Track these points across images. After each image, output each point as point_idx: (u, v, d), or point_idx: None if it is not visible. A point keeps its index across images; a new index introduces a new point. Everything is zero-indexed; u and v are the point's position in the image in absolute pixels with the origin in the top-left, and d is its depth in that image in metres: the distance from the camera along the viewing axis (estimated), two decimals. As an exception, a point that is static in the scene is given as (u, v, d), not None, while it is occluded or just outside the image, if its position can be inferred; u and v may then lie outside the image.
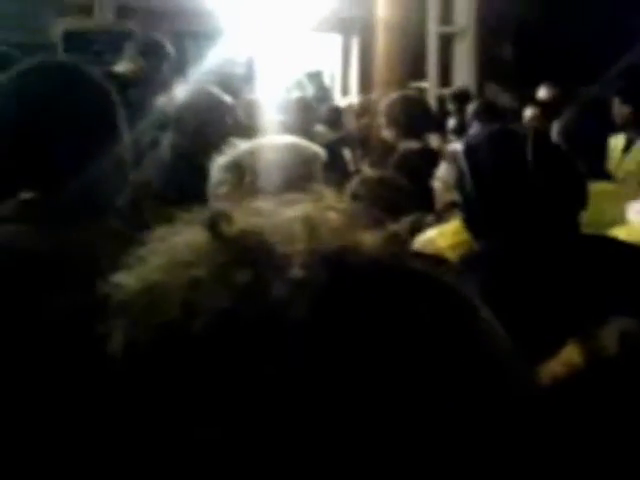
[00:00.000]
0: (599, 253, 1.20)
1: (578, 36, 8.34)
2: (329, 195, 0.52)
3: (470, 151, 1.41)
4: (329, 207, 0.50)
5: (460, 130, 4.81)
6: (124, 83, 3.93)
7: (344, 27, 8.68)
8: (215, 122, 2.55)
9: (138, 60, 3.87)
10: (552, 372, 0.99)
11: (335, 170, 3.40)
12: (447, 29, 8.18)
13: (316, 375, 0.41)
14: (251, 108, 5.30)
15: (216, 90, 3.03)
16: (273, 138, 1.86)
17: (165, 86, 4.13)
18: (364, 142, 4.42)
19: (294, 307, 0.42)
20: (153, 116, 3.52)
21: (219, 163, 1.78)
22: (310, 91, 7.30)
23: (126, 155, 1.52)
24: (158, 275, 0.45)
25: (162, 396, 0.42)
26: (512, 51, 9.31)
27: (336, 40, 9.16)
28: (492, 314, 0.53)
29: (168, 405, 0.42)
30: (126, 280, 0.46)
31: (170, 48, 4.05)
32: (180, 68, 7.02)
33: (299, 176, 1.72)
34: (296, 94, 6.17)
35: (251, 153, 1.76)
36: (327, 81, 9.00)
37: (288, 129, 5.17)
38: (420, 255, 1.76)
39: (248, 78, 7.12)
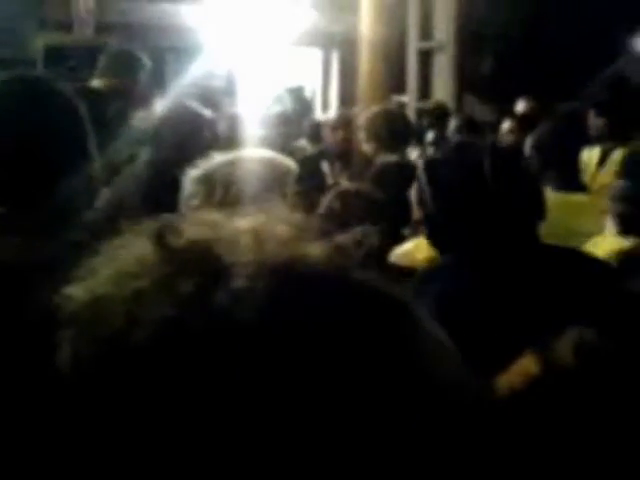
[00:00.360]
0: (558, 263, 1.21)
1: (559, 51, 8.44)
2: (281, 208, 0.53)
3: (429, 166, 1.43)
4: (279, 219, 0.51)
5: (438, 143, 4.85)
6: (99, 98, 3.92)
7: (324, 41, 8.72)
8: (193, 136, 2.56)
9: (112, 74, 3.86)
10: (509, 382, 1.00)
11: (312, 184, 3.42)
12: (426, 44, 8.24)
13: (253, 384, 0.42)
14: (231, 122, 5.31)
15: (194, 104, 3.04)
16: (247, 152, 1.88)
17: (143, 100, 4.13)
18: (342, 156, 4.44)
19: (235, 317, 0.42)
20: (131, 131, 3.51)
21: (192, 176, 1.80)
22: (290, 105, 7.32)
23: (95, 170, 1.52)
24: (105, 287, 0.46)
25: (105, 409, 0.42)
26: (492, 65, 9.40)
27: (316, 54, 9.20)
28: (441, 327, 0.53)
29: (110, 417, 0.42)
30: (75, 292, 0.46)
31: (146, 61, 4.04)
32: (160, 83, 7.03)
33: (271, 189, 1.74)
34: (276, 108, 6.19)
35: (223, 166, 1.78)
36: (308, 95, 9.03)
37: (268, 143, 5.19)
38: (393, 267, 1.78)
39: (228, 92, 7.14)
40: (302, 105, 8.21)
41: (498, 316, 1.08)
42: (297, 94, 8.86)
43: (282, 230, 0.49)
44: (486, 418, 0.52)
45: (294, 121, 6.02)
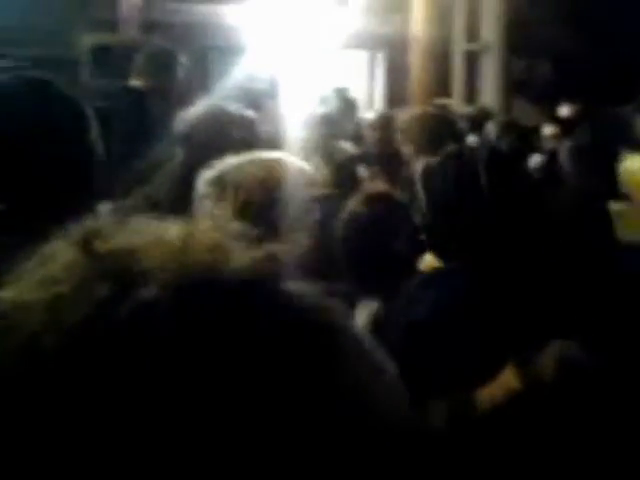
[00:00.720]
0: (557, 273, 1.16)
1: (614, 53, 8.28)
2: (217, 216, 0.54)
3: (425, 175, 1.39)
4: (210, 228, 0.51)
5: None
6: (140, 98, 3.94)
7: (370, 43, 8.69)
8: (223, 137, 2.54)
9: (150, 73, 3.87)
10: (491, 396, 0.97)
11: (343, 186, 3.39)
12: (473, 46, 8.15)
13: (157, 389, 0.42)
14: (274, 123, 5.32)
15: (229, 106, 3.03)
16: (260, 153, 1.85)
17: (183, 99, 4.14)
18: (379, 157, 4.40)
19: (137, 325, 0.43)
20: (170, 131, 3.52)
21: (205, 177, 1.78)
22: (335, 106, 7.30)
23: (97, 167, 1.52)
24: (29, 292, 0.46)
25: (18, 416, 0.43)
26: (541, 68, 9.25)
27: (362, 56, 9.17)
28: (373, 340, 0.51)
29: (23, 424, 0.42)
30: (4, 296, 0.47)
31: (184, 60, 4.04)
32: (203, 83, 7.08)
33: (281, 191, 1.71)
34: (320, 109, 6.18)
35: (234, 169, 1.76)
36: (353, 97, 9.01)
37: (308, 144, 5.18)
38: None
39: (272, 93, 7.16)
40: (347, 106, 8.19)
41: (488, 325, 1.04)
42: (343, 95, 8.85)
43: (210, 238, 0.49)
44: (411, 445, 0.49)
45: (337, 122, 6.00)
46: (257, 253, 0.49)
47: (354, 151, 5.43)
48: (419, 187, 1.40)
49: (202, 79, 7.28)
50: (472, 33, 8.22)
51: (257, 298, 0.46)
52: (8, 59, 5.24)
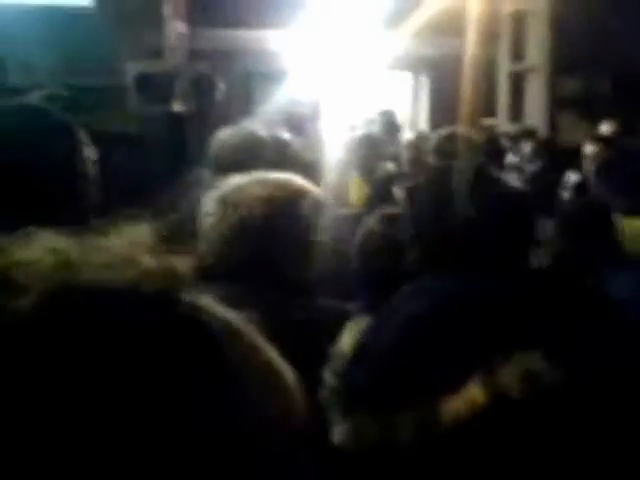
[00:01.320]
0: (539, 288, 1.15)
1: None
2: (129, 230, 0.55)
3: (410, 192, 1.39)
4: (124, 243, 0.53)
5: (519, 167, 4.75)
6: (179, 122, 4.04)
7: (415, 65, 8.72)
8: (251, 160, 2.59)
9: (190, 98, 3.97)
10: (455, 410, 0.97)
11: (379, 204, 3.41)
12: (518, 66, 8.12)
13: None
14: (316, 147, 5.38)
15: (257, 128, 3.09)
16: (267, 174, 1.88)
17: (221, 123, 4.22)
18: (412, 176, 4.41)
19: (4, 330, 0.46)
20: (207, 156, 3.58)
21: (210, 196, 1.82)
22: (378, 128, 7.33)
23: (86, 185, 1.58)
24: None
25: None
26: (586, 88, 9.14)
27: (407, 77, 9.21)
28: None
29: None
30: None
31: (221, 84, 4.13)
32: (247, 107, 7.18)
33: (282, 212, 1.75)
34: (361, 131, 6.22)
35: (238, 187, 1.79)
36: (398, 119, 9.03)
37: (349, 165, 5.22)
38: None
39: (314, 117, 7.22)
40: (391, 127, 8.21)
41: (457, 340, 1.04)
42: (387, 117, 8.88)
43: (100, 254, 0.52)
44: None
45: (379, 143, 6.02)
46: (155, 266, 0.51)
47: (393, 170, 5.45)
48: (404, 204, 1.41)
49: (245, 104, 7.40)
50: (517, 54, 8.19)
51: (137, 316, 0.49)
52: (58, 88, 5.41)
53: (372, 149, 5.50)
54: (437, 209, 1.30)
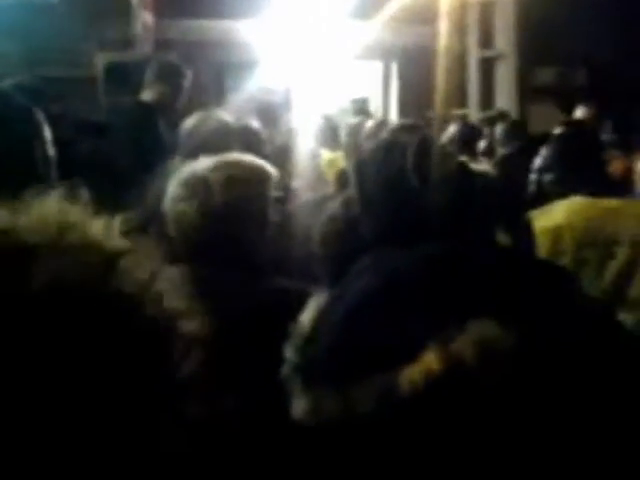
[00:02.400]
0: (480, 261, 1.18)
1: (623, 60, 8.24)
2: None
3: (358, 167, 1.41)
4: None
5: (489, 152, 4.78)
6: (150, 112, 4.02)
7: (384, 54, 8.73)
8: (219, 146, 2.60)
9: (157, 85, 3.96)
10: (410, 378, 0.99)
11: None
12: (487, 53, 8.16)
13: None
14: (289, 134, 5.39)
15: (225, 116, 3.09)
16: (230, 156, 1.90)
17: (191, 113, 4.22)
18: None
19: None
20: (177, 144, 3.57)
21: (176, 179, 1.83)
22: (350, 116, 7.35)
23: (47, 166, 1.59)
24: None
25: None
26: (583, 76, 9.18)
27: (376, 67, 9.22)
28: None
29: None
30: None
31: (187, 71, 4.12)
32: (219, 98, 7.17)
33: (250, 193, 1.77)
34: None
35: (198, 172, 1.81)
36: (369, 107, 9.04)
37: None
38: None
39: (286, 106, 7.21)
40: (365, 117, 8.23)
41: (410, 311, 1.07)
42: (360, 105, 8.89)
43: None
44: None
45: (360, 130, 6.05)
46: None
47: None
48: (352, 179, 1.42)
49: (216, 95, 7.38)
50: (487, 41, 8.24)
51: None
52: (26, 78, 5.35)
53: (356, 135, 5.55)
54: (383, 183, 1.32)
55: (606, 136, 4.80)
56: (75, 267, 0.54)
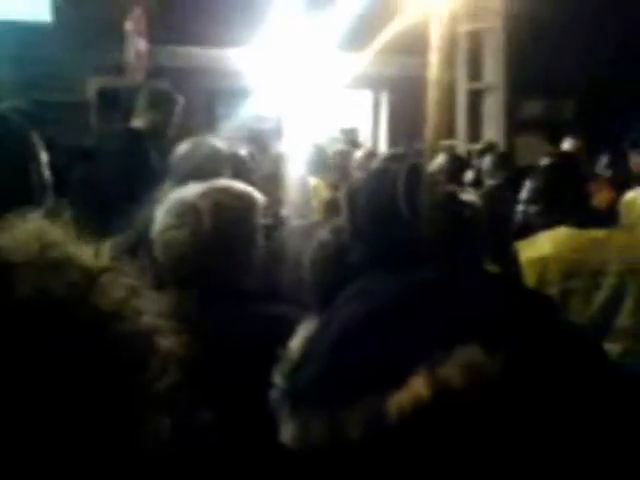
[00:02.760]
0: (469, 288, 1.19)
1: (615, 91, 8.34)
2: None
3: (349, 195, 1.43)
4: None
5: (476, 183, 4.83)
6: (141, 139, 4.04)
7: (374, 84, 8.82)
8: (210, 172, 2.62)
9: (148, 113, 3.98)
10: (399, 403, 1.00)
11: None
12: (476, 85, 8.26)
13: None
14: (279, 162, 5.41)
15: (218, 142, 3.12)
16: (218, 182, 1.92)
17: (182, 139, 4.25)
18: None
19: None
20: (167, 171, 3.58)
21: (169, 205, 1.85)
22: (340, 146, 7.40)
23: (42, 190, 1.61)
24: None
25: None
26: (571, 109, 9.27)
27: (366, 96, 9.30)
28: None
29: None
30: None
31: (178, 98, 4.15)
32: (211, 125, 7.21)
33: (237, 219, 1.79)
34: (331, 148, 6.32)
35: (186, 200, 1.82)
36: (358, 137, 9.11)
37: (324, 181, 5.28)
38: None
39: (277, 133, 7.27)
40: (354, 147, 8.29)
41: (398, 337, 1.08)
42: (349, 135, 8.97)
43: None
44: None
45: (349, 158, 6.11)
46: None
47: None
48: (343, 207, 1.44)
49: (207, 122, 7.43)
50: (475, 73, 8.34)
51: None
52: (20, 102, 5.38)
53: (343, 166, 5.59)
54: (374, 211, 1.34)
55: (600, 169, 4.86)
56: (56, 283, 0.56)
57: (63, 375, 0.52)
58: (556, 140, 6.80)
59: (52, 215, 0.63)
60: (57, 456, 0.51)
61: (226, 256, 1.80)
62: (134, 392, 0.55)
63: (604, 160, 5.03)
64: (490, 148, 6.12)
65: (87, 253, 0.60)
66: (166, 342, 0.61)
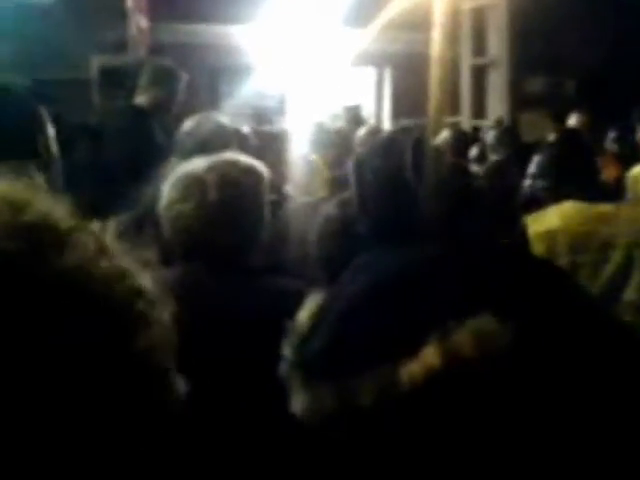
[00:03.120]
0: (478, 259, 1.18)
1: (618, 66, 8.29)
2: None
3: (356, 165, 1.41)
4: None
5: (481, 158, 4.80)
6: (144, 116, 4.02)
7: (377, 60, 8.76)
8: (215, 147, 2.60)
9: (152, 90, 3.96)
10: (410, 372, 1.00)
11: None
12: (480, 60, 8.20)
13: None
14: (282, 139, 5.40)
15: (223, 119, 3.10)
16: (225, 156, 1.90)
17: (186, 117, 4.23)
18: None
19: None
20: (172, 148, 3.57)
21: (175, 179, 1.83)
22: (343, 123, 7.37)
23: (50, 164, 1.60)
24: None
25: None
26: (572, 87, 9.23)
27: (370, 73, 9.25)
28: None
29: None
30: None
31: (182, 75, 4.12)
32: (214, 102, 7.18)
33: (245, 193, 1.78)
34: (332, 125, 6.29)
35: (191, 173, 1.81)
36: (362, 114, 9.06)
37: (323, 159, 5.26)
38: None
39: (280, 111, 7.23)
40: (357, 124, 8.25)
41: (411, 307, 1.08)
42: (353, 112, 8.92)
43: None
44: None
45: (349, 137, 6.09)
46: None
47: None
48: (351, 178, 1.43)
49: (212, 99, 7.39)
50: (479, 49, 8.28)
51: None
52: (22, 80, 5.37)
53: (341, 143, 5.56)
54: (381, 181, 1.33)
55: (607, 144, 4.85)
56: (27, 243, 0.55)
57: (34, 338, 0.52)
58: (560, 116, 6.77)
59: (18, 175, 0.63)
60: (31, 429, 0.50)
61: (232, 230, 1.79)
62: (111, 352, 0.54)
63: (611, 135, 5.01)
64: (498, 124, 6.09)
65: (59, 212, 0.59)
66: (146, 306, 0.59)
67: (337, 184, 4.53)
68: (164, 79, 4.02)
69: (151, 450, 0.56)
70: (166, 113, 4.00)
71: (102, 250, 0.59)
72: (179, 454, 0.66)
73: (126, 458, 0.55)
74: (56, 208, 0.60)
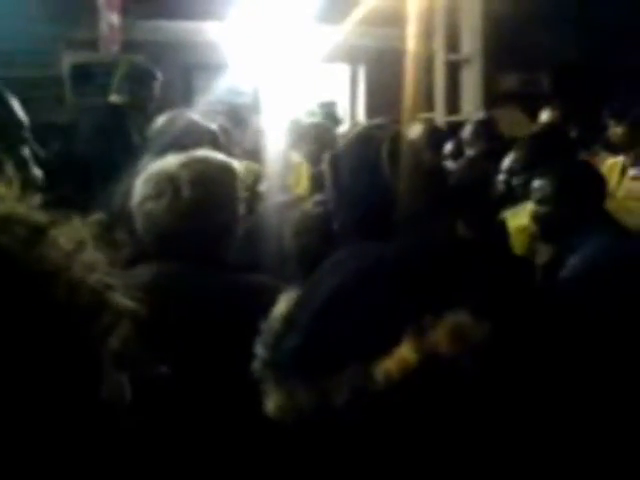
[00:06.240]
0: (454, 254, 1.18)
1: (595, 61, 8.37)
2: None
3: (332, 160, 1.41)
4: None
5: (457, 154, 4.81)
6: (121, 114, 3.99)
7: (351, 57, 8.76)
8: (188, 145, 2.58)
9: (127, 90, 3.93)
10: (386, 369, 0.99)
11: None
12: (454, 56, 8.22)
13: None
14: (257, 136, 5.39)
15: (196, 116, 3.08)
16: (198, 153, 1.89)
17: (160, 114, 4.20)
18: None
19: None
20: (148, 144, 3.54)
21: (147, 176, 1.82)
22: (318, 120, 7.35)
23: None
24: None
25: None
26: (548, 82, 9.30)
27: (344, 69, 9.24)
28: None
29: None
30: None
31: (158, 75, 4.09)
32: (188, 99, 7.12)
33: (218, 190, 1.76)
34: (310, 120, 6.28)
35: (164, 170, 1.79)
36: (339, 111, 9.06)
37: (293, 153, 5.24)
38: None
39: (255, 108, 7.20)
40: (332, 120, 8.23)
41: (385, 302, 1.07)
42: (328, 109, 8.90)
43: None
44: None
45: (326, 133, 6.06)
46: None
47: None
48: (327, 172, 1.42)
49: (186, 96, 7.34)
50: (453, 45, 8.30)
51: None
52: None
53: (320, 139, 5.54)
54: (357, 175, 1.32)
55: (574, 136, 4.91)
56: (2, 236, 0.55)
57: (10, 327, 0.50)
58: (534, 112, 6.81)
59: None
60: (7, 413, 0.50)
61: (206, 226, 1.77)
62: (85, 344, 0.54)
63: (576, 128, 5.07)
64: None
65: (31, 209, 0.58)
66: (119, 298, 0.60)
67: (318, 180, 4.52)
68: (141, 78, 4.00)
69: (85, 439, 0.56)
70: (141, 112, 3.97)
71: (78, 246, 0.59)
72: (137, 451, 0.65)
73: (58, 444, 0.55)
74: (28, 204, 0.60)
